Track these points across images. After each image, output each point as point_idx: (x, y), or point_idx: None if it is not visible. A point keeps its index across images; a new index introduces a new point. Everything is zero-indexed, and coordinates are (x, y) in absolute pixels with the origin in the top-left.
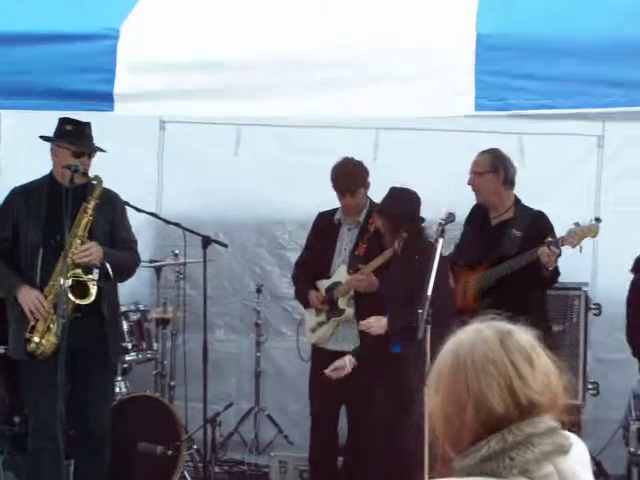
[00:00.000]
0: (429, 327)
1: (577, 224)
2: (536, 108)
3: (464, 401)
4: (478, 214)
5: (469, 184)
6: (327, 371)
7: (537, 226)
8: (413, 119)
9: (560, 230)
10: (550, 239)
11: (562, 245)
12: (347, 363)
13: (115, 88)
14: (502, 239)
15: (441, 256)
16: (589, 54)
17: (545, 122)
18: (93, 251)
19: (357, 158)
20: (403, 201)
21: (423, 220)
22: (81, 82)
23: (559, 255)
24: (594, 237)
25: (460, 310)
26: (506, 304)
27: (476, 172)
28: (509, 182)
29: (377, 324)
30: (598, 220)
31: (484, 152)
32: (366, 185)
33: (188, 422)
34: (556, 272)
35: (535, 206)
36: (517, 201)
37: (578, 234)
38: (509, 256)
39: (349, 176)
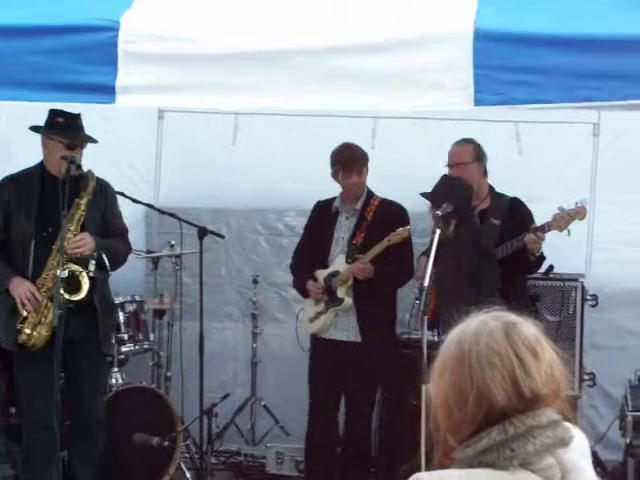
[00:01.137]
0: (425, 318)
1: (562, 208)
2: (535, 102)
3: (467, 392)
4: None
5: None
6: None
7: (515, 213)
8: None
9: None
10: (536, 225)
11: (549, 230)
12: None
13: (117, 80)
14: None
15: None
16: (586, 47)
17: (541, 110)
18: (86, 242)
19: None
20: (459, 192)
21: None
22: (82, 74)
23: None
24: (582, 219)
25: None
26: None
27: (461, 162)
28: (485, 171)
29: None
30: (583, 202)
31: (463, 142)
32: (367, 167)
33: (184, 413)
34: (541, 257)
35: (531, 194)
36: (491, 189)
37: (565, 218)
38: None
39: (354, 153)
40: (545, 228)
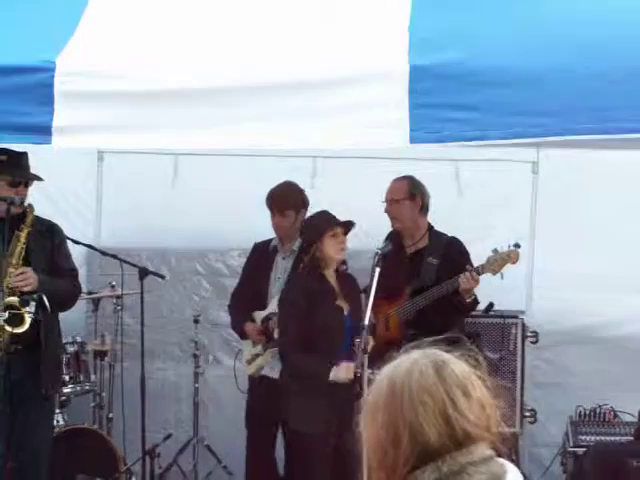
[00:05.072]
0: (366, 356)
1: (495, 251)
2: (469, 139)
3: (400, 432)
4: (394, 242)
5: (385, 211)
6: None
7: (452, 253)
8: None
9: None
10: (470, 266)
11: (483, 273)
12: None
13: (53, 121)
14: (419, 268)
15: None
16: (521, 84)
17: (480, 149)
18: (28, 276)
19: None
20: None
21: None
22: (18, 115)
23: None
24: (514, 263)
25: (386, 342)
26: (429, 333)
27: (393, 199)
28: (425, 208)
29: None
30: (517, 246)
31: (400, 179)
32: (298, 209)
33: (127, 453)
34: (474, 302)
35: (471, 233)
36: (430, 227)
37: (498, 261)
38: (427, 285)
39: (280, 195)
40: (479, 270)
